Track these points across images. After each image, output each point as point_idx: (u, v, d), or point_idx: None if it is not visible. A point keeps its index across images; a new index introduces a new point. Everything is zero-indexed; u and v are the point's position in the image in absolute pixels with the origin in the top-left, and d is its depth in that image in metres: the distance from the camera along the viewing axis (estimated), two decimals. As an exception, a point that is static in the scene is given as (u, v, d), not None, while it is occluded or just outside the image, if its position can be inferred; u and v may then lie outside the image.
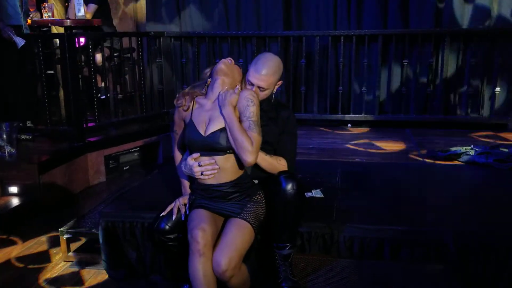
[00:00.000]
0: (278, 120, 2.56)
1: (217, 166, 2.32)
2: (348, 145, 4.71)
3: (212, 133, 2.33)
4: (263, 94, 2.50)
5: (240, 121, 2.32)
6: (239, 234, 2.24)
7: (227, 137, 2.30)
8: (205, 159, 2.32)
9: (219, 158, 2.33)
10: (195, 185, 2.44)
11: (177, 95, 2.51)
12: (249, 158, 2.25)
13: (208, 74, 2.52)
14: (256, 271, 2.55)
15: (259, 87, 2.45)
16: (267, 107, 2.55)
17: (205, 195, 2.39)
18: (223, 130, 2.33)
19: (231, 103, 2.32)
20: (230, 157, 2.35)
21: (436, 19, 5.47)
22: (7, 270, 3.01)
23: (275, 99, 2.61)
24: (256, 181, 2.51)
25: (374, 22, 5.60)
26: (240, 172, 2.40)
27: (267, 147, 2.56)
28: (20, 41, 4.39)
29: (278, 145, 2.55)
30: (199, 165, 2.32)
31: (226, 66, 2.40)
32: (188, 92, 2.49)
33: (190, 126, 2.41)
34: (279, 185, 2.32)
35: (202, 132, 2.35)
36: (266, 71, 2.44)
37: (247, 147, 2.25)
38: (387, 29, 5.55)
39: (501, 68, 5.16)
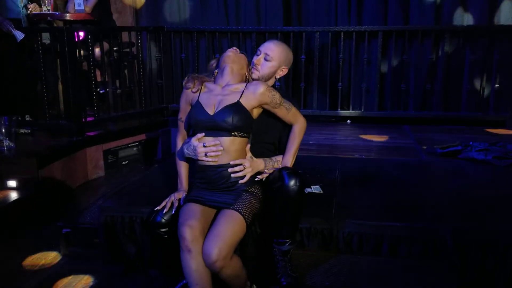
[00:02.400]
0: None
1: (221, 148, 2.35)
2: (347, 141, 4.71)
3: (220, 110, 2.37)
4: (266, 66, 2.56)
5: (272, 107, 2.46)
6: (229, 225, 2.23)
7: (233, 115, 2.34)
8: (210, 140, 2.36)
9: (224, 140, 2.36)
10: (196, 167, 2.45)
11: (186, 78, 2.57)
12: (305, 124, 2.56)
13: (214, 65, 2.60)
14: (255, 266, 2.56)
15: (266, 54, 2.56)
16: None
17: (204, 179, 2.40)
18: (231, 107, 2.37)
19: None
20: (235, 140, 2.38)
21: (436, 15, 5.47)
22: (5, 264, 3.01)
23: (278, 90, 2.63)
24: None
25: (374, 18, 5.59)
26: (243, 156, 2.42)
27: (266, 139, 2.58)
28: (20, 35, 4.37)
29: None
30: (204, 146, 2.35)
31: (233, 53, 2.50)
32: (197, 76, 2.55)
33: (196, 107, 2.44)
34: (282, 181, 2.31)
35: (210, 112, 2.39)
36: (276, 44, 2.64)
37: (302, 128, 2.54)
38: (387, 25, 5.54)
39: (500, 65, 5.16)
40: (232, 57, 2.48)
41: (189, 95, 2.53)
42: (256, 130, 2.52)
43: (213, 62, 2.64)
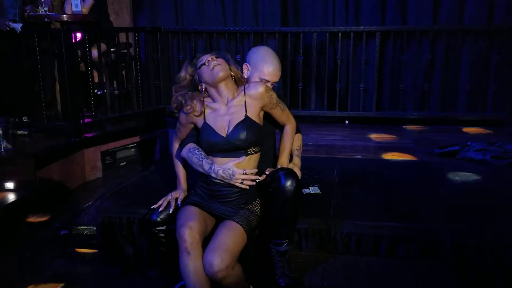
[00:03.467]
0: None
1: (259, 178, 2.38)
2: (345, 142, 4.71)
3: (232, 130, 2.35)
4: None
5: (270, 108, 2.45)
6: (231, 235, 2.22)
7: (246, 132, 2.33)
8: (251, 170, 2.36)
9: (242, 161, 2.35)
10: (202, 178, 2.43)
11: (184, 102, 2.41)
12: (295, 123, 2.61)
13: (188, 79, 2.47)
14: (253, 267, 2.55)
15: (273, 83, 2.59)
16: None
17: (207, 190, 2.39)
18: (241, 124, 2.35)
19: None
20: (251, 158, 2.38)
21: (434, 15, 5.47)
22: (4, 266, 3.00)
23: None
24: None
25: (371, 18, 5.59)
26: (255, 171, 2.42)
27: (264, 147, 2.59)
28: (18, 26, 4.37)
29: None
30: (244, 173, 2.33)
31: (220, 73, 2.35)
32: (193, 95, 2.42)
33: (207, 129, 2.39)
34: (278, 182, 2.31)
35: (223, 134, 2.36)
36: (278, 68, 2.58)
37: (294, 127, 2.60)
38: (385, 25, 5.54)
39: (498, 65, 5.16)
40: (221, 76, 2.35)
41: (192, 117, 2.44)
42: None
43: (184, 74, 2.47)
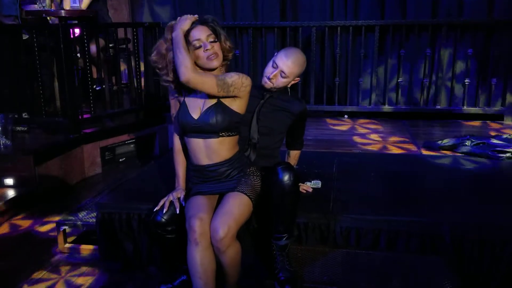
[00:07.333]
0: (291, 113, 2.71)
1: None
2: (344, 136, 4.71)
3: (203, 113, 2.33)
4: (281, 81, 2.60)
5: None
6: (236, 204, 2.26)
7: (216, 116, 2.30)
8: None
9: (213, 141, 2.34)
10: (190, 167, 2.45)
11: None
12: (183, 75, 2.19)
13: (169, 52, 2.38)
14: (252, 262, 2.55)
15: (282, 72, 2.57)
16: (284, 97, 2.72)
17: (201, 177, 2.40)
18: (212, 108, 2.32)
19: (182, 29, 2.32)
20: (224, 140, 2.36)
21: (434, 9, 5.46)
22: (3, 261, 3.01)
23: (291, 92, 2.75)
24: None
25: (371, 12, 5.58)
26: (234, 151, 2.42)
27: (268, 131, 2.66)
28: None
29: (293, 132, 2.75)
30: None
31: (218, 62, 2.32)
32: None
33: (183, 107, 2.40)
34: (276, 176, 2.32)
35: (195, 116, 2.34)
36: (293, 60, 2.58)
37: (185, 63, 2.20)
38: (384, 19, 5.53)
39: (497, 59, 5.15)
40: (216, 66, 2.32)
41: (174, 91, 2.44)
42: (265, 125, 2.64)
43: (163, 47, 2.42)
